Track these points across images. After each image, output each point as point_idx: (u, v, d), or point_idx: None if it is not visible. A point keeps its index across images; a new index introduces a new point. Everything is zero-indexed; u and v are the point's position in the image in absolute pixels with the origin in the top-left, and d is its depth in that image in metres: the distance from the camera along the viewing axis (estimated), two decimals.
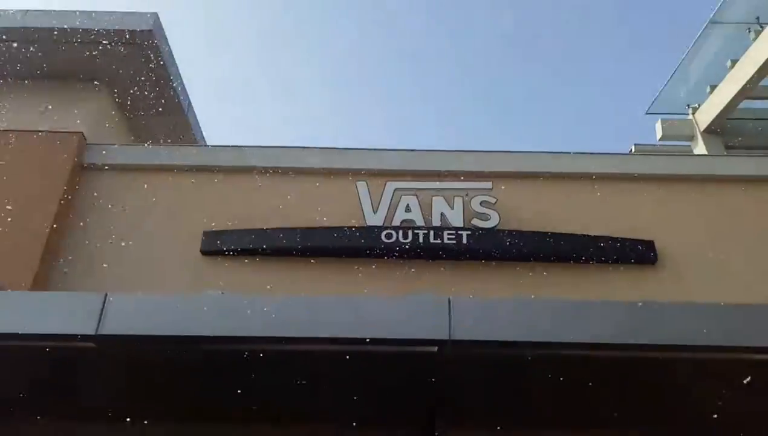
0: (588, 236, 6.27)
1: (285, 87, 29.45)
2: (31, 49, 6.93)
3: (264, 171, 6.82)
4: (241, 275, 6.22)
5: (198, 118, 8.58)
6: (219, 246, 6.34)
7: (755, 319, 3.91)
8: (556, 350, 3.89)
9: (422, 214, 6.42)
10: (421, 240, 6.26)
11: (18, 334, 3.76)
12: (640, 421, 4.96)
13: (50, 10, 7.05)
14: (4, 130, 6.64)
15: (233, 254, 6.35)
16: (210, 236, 6.42)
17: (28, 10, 6.95)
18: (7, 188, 6.29)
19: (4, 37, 6.81)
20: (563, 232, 6.28)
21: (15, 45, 6.90)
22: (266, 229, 6.38)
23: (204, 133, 8.83)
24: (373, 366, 4.25)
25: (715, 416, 4.75)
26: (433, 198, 6.50)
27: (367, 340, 3.82)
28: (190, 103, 8.21)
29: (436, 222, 6.39)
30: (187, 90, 8.00)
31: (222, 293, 4.79)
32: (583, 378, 4.35)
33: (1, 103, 6.88)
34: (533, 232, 6.28)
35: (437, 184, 6.62)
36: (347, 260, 6.26)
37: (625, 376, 4.23)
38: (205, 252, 6.36)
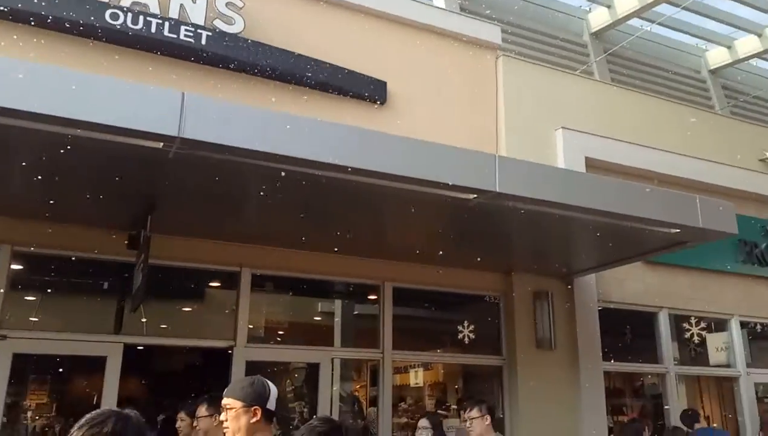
0: (328, 63, 6.34)
1: None
2: None
3: None
4: None
5: None
6: None
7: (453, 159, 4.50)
8: (285, 164, 3.96)
9: (159, 1, 5.70)
10: (153, 30, 5.60)
11: None
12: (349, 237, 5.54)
13: None
14: None
15: None
16: None
17: None
18: None
19: None
20: (306, 54, 6.24)
21: None
22: None
23: None
24: (91, 155, 3.85)
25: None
26: None
27: (85, 122, 3.38)
28: None
29: (174, 14, 5.75)
30: None
31: None
32: (305, 195, 4.61)
33: None
34: (277, 47, 6.10)
35: None
36: (61, 36, 5.32)
37: (347, 197, 4.57)
38: None
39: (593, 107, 7.79)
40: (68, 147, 3.61)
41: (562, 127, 7.36)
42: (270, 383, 2.70)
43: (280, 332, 6.50)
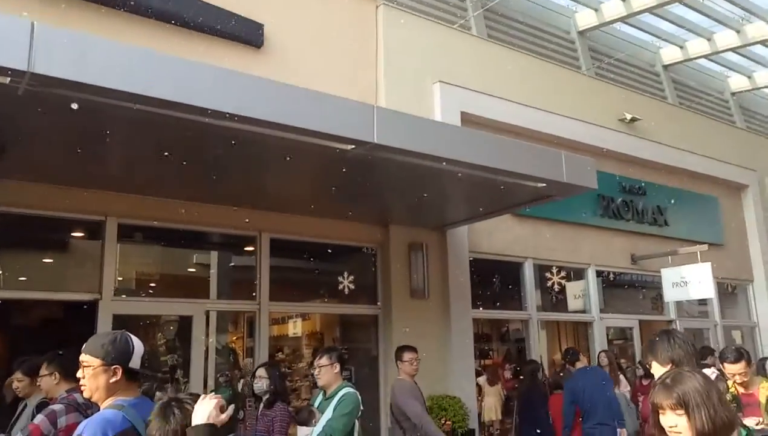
0: (205, 3, 5.98)
1: None
2: None
3: None
4: None
5: None
6: None
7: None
8: (149, 106, 3.70)
9: None
10: None
11: None
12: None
13: None
14: None
15: None
16: None
17: None
18: None
19: None
20: None
21: None
22: None
23: None
24: None
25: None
26: None
27: None
28: None
29: None
30: None
31: None
32: (175, 140, 4.36)
33: None
34: None
35: None
36: None
37: (220, 144, 4.37)
38: None
39: (470, 62, 7.99)
40: None
41: (440, 81, 7.50)
42: (135, 339, 2.51)
43: (152, 285, 6.24)
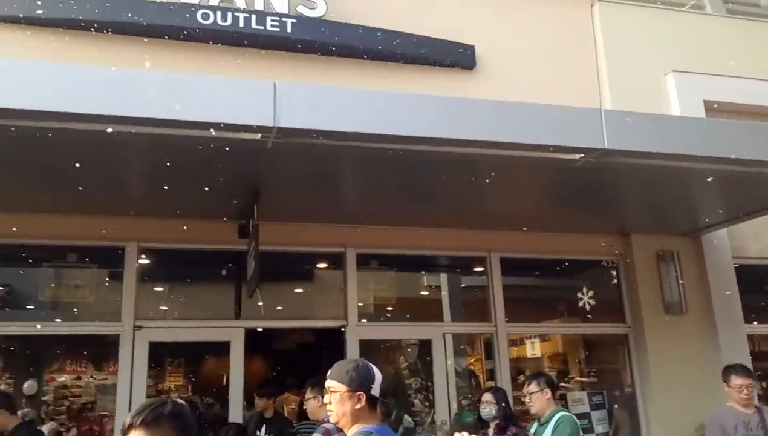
0: (413, 35, 6.20)
1: None
2: None
3: None
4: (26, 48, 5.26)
5: None
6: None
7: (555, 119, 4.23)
8: (380, 143, 3.91)
9: None
10: (241, 24, 5.72)
11: None
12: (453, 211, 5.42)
13: None
14: None
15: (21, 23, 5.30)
16: None
17: None
18: None
19: None
20: (390, 29, 6.13)
21: None
22: None
23: None
24: (196, 152, 3.97)
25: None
26: None
27: (187, 121, 3.49)
28: None
29: (259, 6, 5.84)
30: None
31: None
32: (403, 170, 4.54)
33: None
34: (361, 26, 6.03)
35: None
36: (159, 41, 5.55)
37: (445, 169, 4.46)
38: None
39: (707, 45, 7.07)
40: (175, 146, 3.77)
41: (674, 71, 6.75)
42: (374, 368, 2.54)
43: (389, 309, 6.53)
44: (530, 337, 8.14)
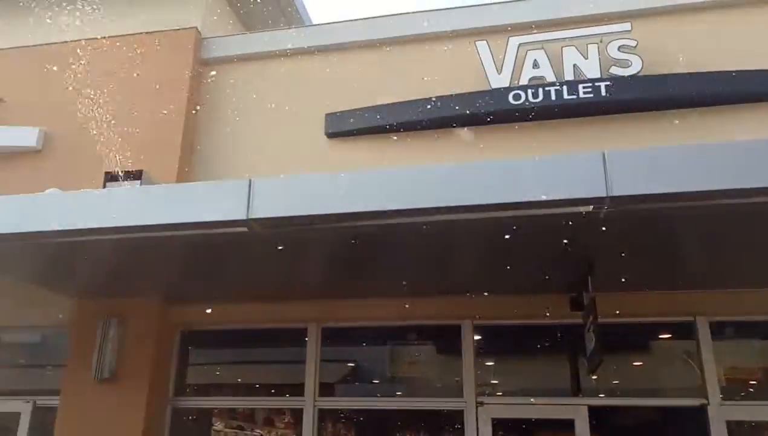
0: (741, 71, 5.51)
1: None
2: None
3: (377, 44, 6.51)
4: (370, 153, 6.15)
5: None
6: (342, 127, 6.26)
7: None
8: (733, 199, 3.47)
9: (553, 69, 5.90)
10: (554, 97, 5.79)
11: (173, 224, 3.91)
12: None
13: None
14: (118, 36, 6.67)
15: (358, 134, 6.25)
16: (333, 117, 6.33)
17: None
18: (135, 90, 6.46)
19: None
20: (714, 70, 5.56)
21: None
22: (387, 104, 6.17)
23: (309, 13, 8.55)
24: (528, 230, 4.06)
25: None
26: (564, 49, 5.92)
27: (521, 202, 3.61)
28: None
29: (569, 76, 5.85)
30: None
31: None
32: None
33: (106, 10, 6.89)
34: (680, 73, 5.60)
35: (566, 33, 6.00)
36: (475, 129, 5.96)
37: None
38: (330, 134, 6.31)
39: None
40: (512, 227, 3.90)
41: None
42: None
43: (752, 383, 5.57)
44: None
